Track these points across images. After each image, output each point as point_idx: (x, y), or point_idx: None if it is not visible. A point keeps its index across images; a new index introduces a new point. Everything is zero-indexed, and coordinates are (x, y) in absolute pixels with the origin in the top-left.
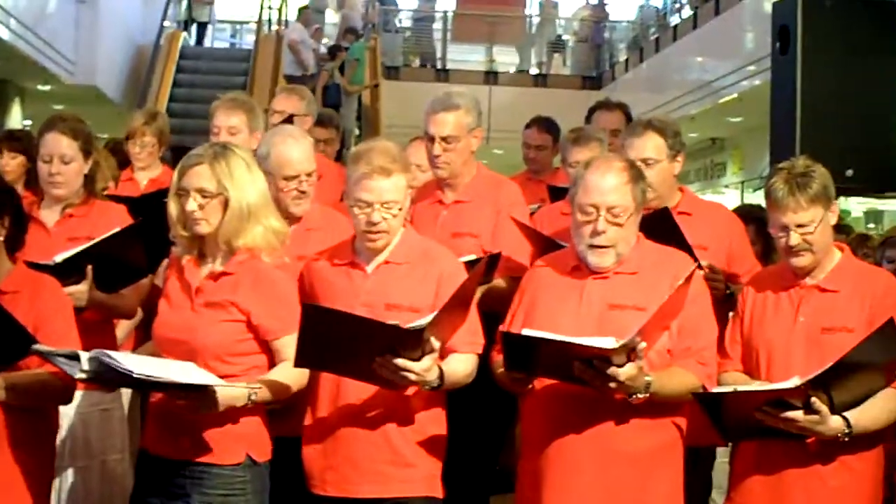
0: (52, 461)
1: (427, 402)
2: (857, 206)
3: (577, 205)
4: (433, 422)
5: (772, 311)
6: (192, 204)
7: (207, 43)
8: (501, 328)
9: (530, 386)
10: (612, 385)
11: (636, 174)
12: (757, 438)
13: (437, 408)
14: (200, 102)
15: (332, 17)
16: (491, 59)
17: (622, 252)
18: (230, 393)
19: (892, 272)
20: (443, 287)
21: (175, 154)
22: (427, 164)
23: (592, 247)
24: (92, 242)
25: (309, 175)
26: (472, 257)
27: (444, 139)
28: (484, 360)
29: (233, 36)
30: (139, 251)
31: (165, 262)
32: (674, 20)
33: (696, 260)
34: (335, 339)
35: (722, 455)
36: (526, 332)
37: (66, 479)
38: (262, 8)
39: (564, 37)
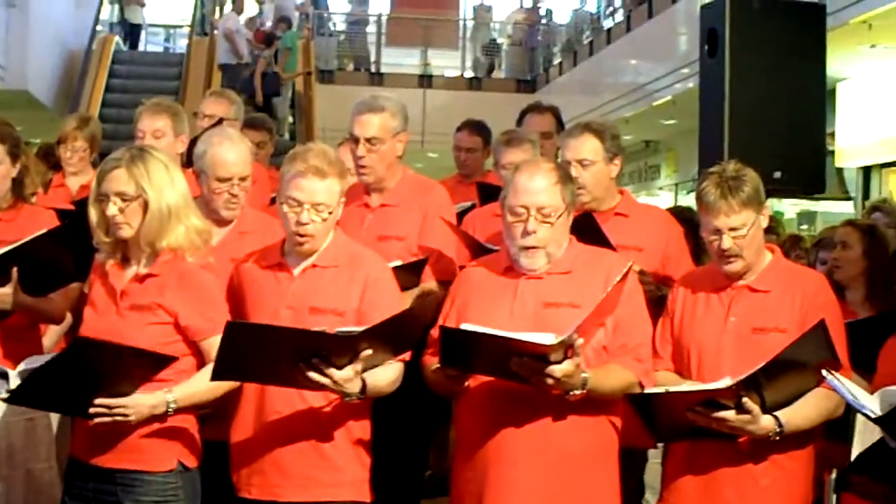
0: None
1: (353, 406)
2: (790, 207)
3: (507, 207)
4: (360, 426)
5: (703, 310)
6: (112, 208)
7: (141, 47)
8: (433, 331)
9: (465, 385)
10: (550, 381)
11: (565, 176)
12: (688, 439)
13: (364, 412)
14: (133, 107)
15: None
16: (425, 63)
17: (553, 253)
18: (147, 402)
19: (826, 273)
20: (369, 292)
21: None
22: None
23: (524, 248)
24: (16, 244)
25: (242, 179)
26: (399, 263)
27: (368, 140)
28: (413, 364)
29: (166, 40)
30: (67, 255)
31: None
32: (607, 23)
33: None
34: (258, 351)
35: (655, 456)
36: (465, 326)
37: None
38: (195, 11)
39: (499, 40)
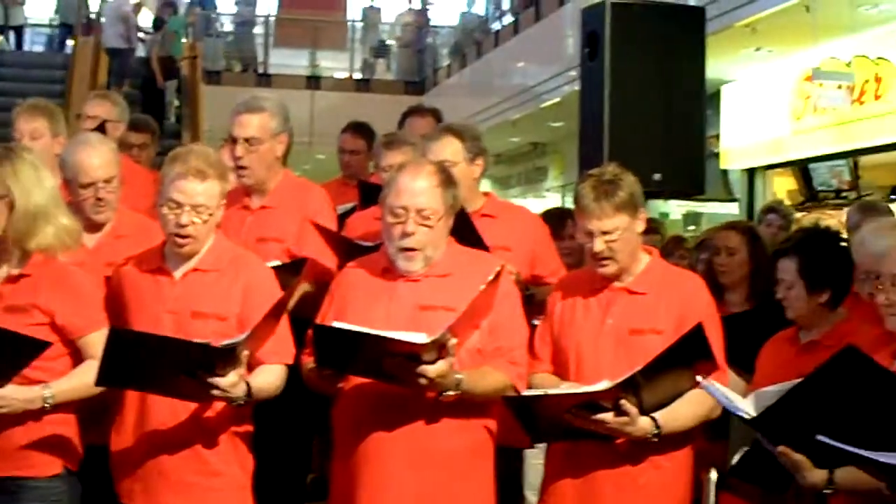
0: None
1: (234, 411)
2: (676, 208)
3: (387, 207)
4: (241, 430)
5: (581, 313)
6: None
7: (27, 47)
8: (310, 332)
9: (340, 385)
10: (423, 382)
11: (447, 178)
12: (566, 440)
13: (245, 415)
14: None
15: None
16: (314, 64)
17: (432, 256)
18: (22, 395)
19: (703, 274)
20: (250, 296)
21: None
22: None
23: (402, 250)
24: None
25: (107, 181)
26: (273, 263)
27: (246, 141)
28: (295, 366)
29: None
30: None
31: None
32: (495, 26)
33: None
34: (141, 359)
35: (537, 455)
36: (337, 324)
37: None
38: (79, 12)
39: (388, 42)
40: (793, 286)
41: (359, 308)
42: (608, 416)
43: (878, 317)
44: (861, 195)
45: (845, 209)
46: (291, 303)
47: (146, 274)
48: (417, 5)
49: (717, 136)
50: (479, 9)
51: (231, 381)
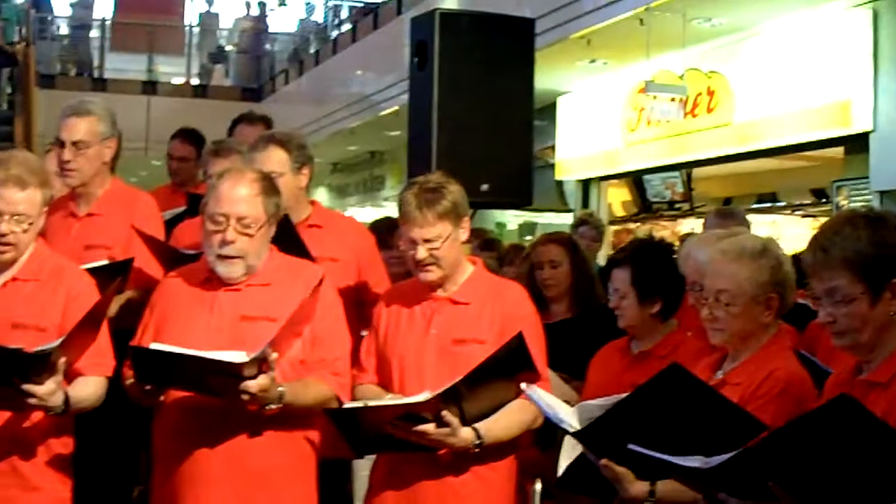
0: None
1: (54, 425)
2: (512, 218)
3: (207, 214)
4: (61, 443)
5: (405, 323)
6: None
7: None
8: (132, 342)
9: (161, 399)
10: (245, 397)
11: (269, 187)
12: (389, 451)
13: (65, 429)
14: None
15: None
16: (151, 70)
17: (253, 264)
18: None
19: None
20: (71, 307)
21: None
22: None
23: (221, 257)
24: None
25: None
26: (98, 263)
27: (74, 144)
28: (117, 377)
29: None
30: None
31: None
32: (334, 33)
33: None
34: None
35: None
36: (155, 346)
37: None
38: None
39: (226, 48)
40: (625, 296)
41: (179, 320)
42: (429, 428)
43: (702, 327)
44: (694, 207)
45: (679, 220)
46: (113, 308)
47: None
48: (255, 11)
49: (553, 148)
50: (318, 16)
51: (48, 390)
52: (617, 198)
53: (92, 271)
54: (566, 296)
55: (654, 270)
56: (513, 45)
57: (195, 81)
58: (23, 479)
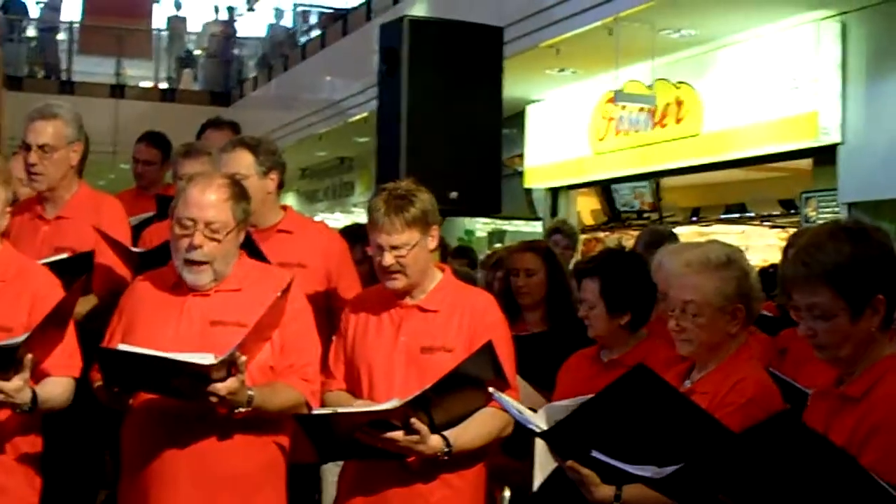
0: None
1: (21, 425)
2: (481, 226)
3: (176, 218)
4: (29, 444)
5: (374, 330)
6: None
7: None
8: (100, 345)
9: (130, 402)
10: (214, 400)
11: (239, 192)
12: (357, 458)
13: (32, 430)
14: None
15: None
16: (118, 73)
17: (221, 270)
18: None
19: (497, 292)
20: (37, 307)
21: None
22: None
23: (188, 262)
24: None
25: None
26: (58, 257)
27: (40, 147)
28: (85, 378)
29: None
30: None
31: None
32: (303, 39)
33: None
34: None
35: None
36: (122, 347)
37: None
38: None
39: (196, 52)
40: (594, 306)
41: (148, 324)
42: (398, 435)
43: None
44: (663, 216)
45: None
46: (81, 311)
47: None
48: (224, 16)
49: (521, 156)
50: (287, 21)
51: (15, 386)
52: (586, 206)
53: (55, 269)
54: (541, 305)
55: (624, 281)
56: (481, 53)
57: (163, 85)
58: None
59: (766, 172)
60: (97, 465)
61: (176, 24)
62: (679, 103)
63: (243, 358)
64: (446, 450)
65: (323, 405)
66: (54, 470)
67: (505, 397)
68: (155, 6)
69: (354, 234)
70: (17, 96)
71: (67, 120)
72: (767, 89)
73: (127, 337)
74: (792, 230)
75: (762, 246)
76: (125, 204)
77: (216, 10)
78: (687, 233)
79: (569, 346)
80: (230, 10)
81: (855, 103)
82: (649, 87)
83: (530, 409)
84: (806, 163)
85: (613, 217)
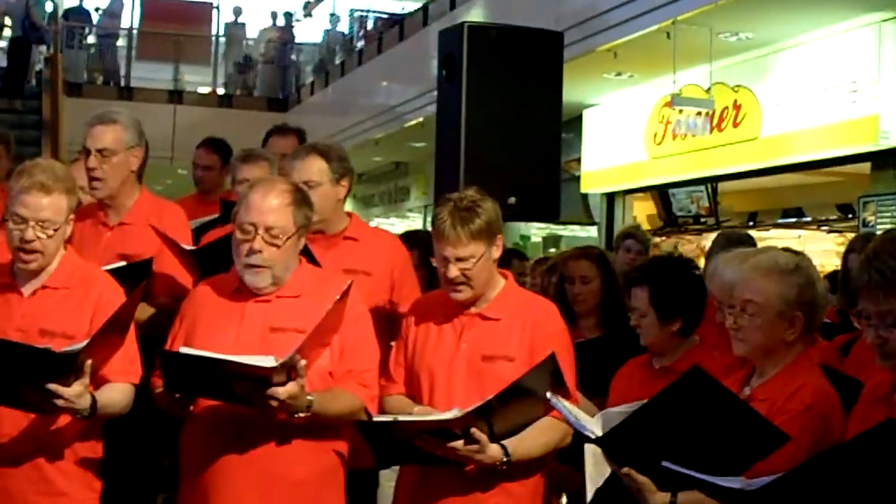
0: None
1: (82, 430)
2: (536, 231)
3: (237, 223)
4: (89, 449)
5: (435, 337)
6: None
7: None
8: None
9: (191, 408)
10: (274, 404)
11: (301, 198)
12: (415, 463)
13: (93, 435)
14: None
15: None
16: (176, 79)
17: (280, 275)
18: None
19: (553, 298)
20: (99, 314)
21: None
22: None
23: (248, 266)
24: None
25: None
26: (121, 264)
27: (99, 152)
28: (144, 383)
29: None
30: None
31: None
32: (359, 45)
33: None
34: None
35: (392, 479)
36: (184, 350)
37: None
38: None
39: (253, 58)
40: (645, 314)
41: (208, 329)
42: (458, 444)
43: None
44: (720, 221)
45: (704, 234)
46: (142, 316)
47: None
48: (282, 22)
49: (578, 160)
50: (343, 27)
51: (75, 391)
52: (642, 211)
53: (116, 275)
54: (595, 311)
55: (673, 289)
56: (541, 58)
57: (221, 91)
58: (50, 484)
59: (823, 177)
60: (156, 470)
61: (234, 30)
62: (737, 107)
63: (303, 362)
64: (505, 459)
65: (383, 410)
66: (114, 474)
67: (562, 402)
68: (213, 13)
69: (412, 240)
70: (77, 102)
71: (126, 125)
72: (826, 92)
73: (188, 342)
74: (849, 235)
75: (818, 251)
76: (186, 210)
77: (273, 16)
78: None
79: (623, 352)
80: (287, 16)
81: None
82: (707, 90)
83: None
84: (864, 167)
85: (670, 222)
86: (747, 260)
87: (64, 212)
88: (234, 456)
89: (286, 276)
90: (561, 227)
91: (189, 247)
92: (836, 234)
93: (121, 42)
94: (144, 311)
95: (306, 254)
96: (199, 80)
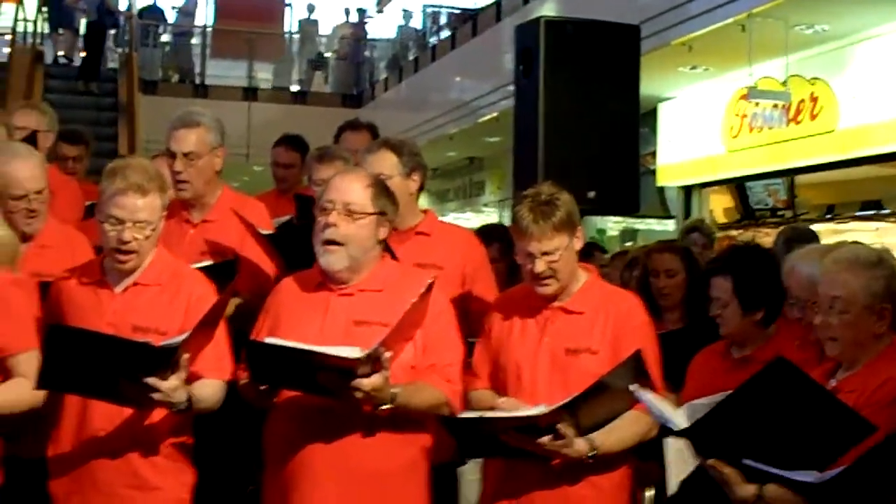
0: None
1: (173, 425)
2: (613, 224)
3: (318, 207)
4: (180, 444)
5: (518, 331)
6: None
7: None
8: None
9: (275, 399)
10: (359, 395)
11: (382, 188)
12: (500, 457)
13: (184, 429)
14: None
15: None
16: (250, 76)
17: (356, 256)
18: None
19: (634, 291)
20: (192, 310)
21: None
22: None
23: (325, 243)
24: None
25: (38, 193)
26: (208, 263)
27: (185, 155)
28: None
29: None
30: None
31: None
32: (433, 40)
33: None
34: (81, 359)
35: (473, 472)
36: (270, 340)
37: None
38: (16, 21)
39: (326, 54)
40: (727, 304)
41: (292, 322)
42: (545, 439)
43: (805, 340)
44: (797, 214)
45: (781, 228)
46: (230, 309)
47: (86, 287)
48: (355, 18)
49: (654, 154)
50: (417, 23)
51: (172, 385)
52: (719, 204)
53: (203, 272)
54: (679, 305)
55: (757, 278)
56: (618, 51)
57: (295, 88)
58: (142, 479)
59: None
60: (245, 462)
61: (307, 26)
62: (814, 99)
63: (388, 354)
64: (591, 453)
65: (467, 404)
66: (205, 466)
67: (647, 395)
68: (286, 10)
69: (491, 234)
70: (152, 100)
71: (210, 127)
72: None
73: (272, 334)
74: None
75: None
76: (266, 206)
77: (346, 12)
78: (821, 230)
79: (705, 343)
80: (360, 12)
81: None
82: (783, 83)
83: None
84: None
85: (747, 215)
86: (827, 255)
87: (158, 211)
88: (318, 447)
89: (363, 262)
90: (637, 220)
91: (267, 231)
92: None
93: (195, 40)
94: (231, 304)
95: (387, 250)
96: (272, 78)
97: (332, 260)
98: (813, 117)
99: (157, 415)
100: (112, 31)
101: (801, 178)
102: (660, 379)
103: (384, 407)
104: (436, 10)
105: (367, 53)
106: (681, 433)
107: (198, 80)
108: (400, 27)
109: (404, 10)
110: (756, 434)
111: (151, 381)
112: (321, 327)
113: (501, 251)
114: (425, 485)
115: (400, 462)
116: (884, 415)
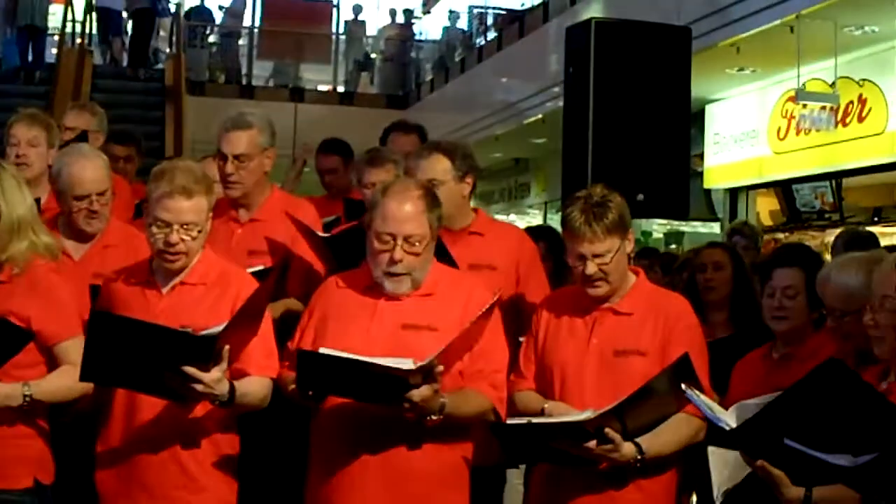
0: None
1: (220, 424)
2: (658, 227)
3: (374, 232)
4: (226, 444)
5: (566, 332)
6: None
7: None
8: (290, 344)
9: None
10: (408, 406)
11: (433, 201)
12: (547, 462)
13: (231, 429)
14: None
15: None
16: (297, 76)
17: (418, 278)
18: (2, 390)
19: (683, 293)
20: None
21: None
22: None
23: (390, 275)
24: None
25: (101, 194)
26: (261, 267)
27: (236, 157)
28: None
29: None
30: None
31: None
32: (479, 41)
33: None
34: (124, 349)
35: (519, 476)
36: (323, 350)
37: None
38: (64, 21)
39: (372, 55)
40: (795, 296)
41: (339, 325)
42: (592, 444)
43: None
44: (844, 217)
45: (828, 230)
46: (277, 311)
47: (134, 287)
48: (401, 19)
49: (701, 156)
50: (463, 24)
51: (214, 377)
52: (765, 207)
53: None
54: (725, 304)
55: None
56: (669, 53)
57: (341, 89)
58: (189, 478)
59: None
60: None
61: (354, 28)
62: (862, 101)
63: (440, 367)
64: (639, 457)
65: (513, 405)
66: (255, 467)
67: (697, 395)
68: (333, 11)
69: (538, 232)
70: (200, 101)
71: (261, 128)
72: None
73: (318, 336)
74: None
75: None
76: (317, 209)
77: (393, 13)
78: None
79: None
80: (407, 13)
81: None
82: (831, 85)
83: None
84: None
85: (793, 217)
86: (867, 263)
87: (205, 212)
88: (362, 452)
89: (423, 278)
90: (683, 223)
91: (323, 234)
92: None
93: (242, 41)
94: (277, 310)
95: (440, 247)
96: (320, 79)
97: (397, 287)
98: (861, 119)
99: (202, 410)
100: (163, 20)
101: (848, 181)
102: (708, 380)
103: (432, 417)
104: (482, 11)
105: (413, 55)
106: (730, 433)
107: (244, 81)
108: (446, 28)
109: (451, 12)
110: (805, 435)
111: (191, 370)
112: (368, 330)
113: (548, 250)
114: (466, 491)
115: (443, 469)
116: None
